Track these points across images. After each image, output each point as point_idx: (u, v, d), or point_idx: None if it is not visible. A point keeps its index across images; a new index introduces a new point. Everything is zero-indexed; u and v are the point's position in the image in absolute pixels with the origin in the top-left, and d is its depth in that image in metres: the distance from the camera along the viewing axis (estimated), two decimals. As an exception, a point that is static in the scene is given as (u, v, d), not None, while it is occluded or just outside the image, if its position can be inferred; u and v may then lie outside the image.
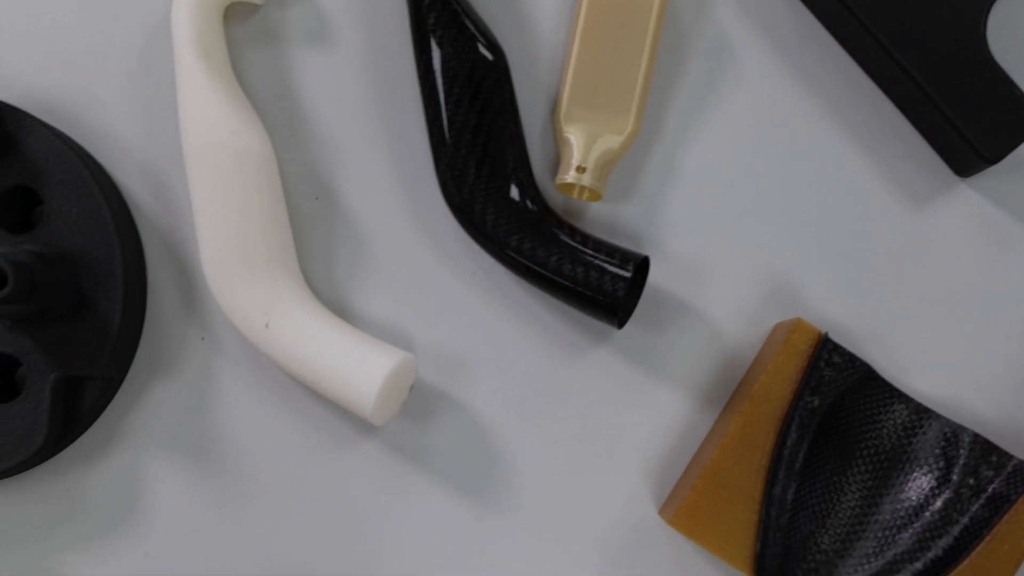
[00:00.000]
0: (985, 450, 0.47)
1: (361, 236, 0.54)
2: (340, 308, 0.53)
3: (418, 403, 0.53)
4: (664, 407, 0.53)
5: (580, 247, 0.50)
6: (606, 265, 0.50)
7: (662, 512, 0.52)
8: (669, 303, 0.53)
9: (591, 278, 0.50)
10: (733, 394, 0.52)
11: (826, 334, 0.48)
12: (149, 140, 0.54)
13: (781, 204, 0.53)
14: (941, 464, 0.48)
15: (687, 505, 0.48)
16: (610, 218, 0.53)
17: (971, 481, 0.47)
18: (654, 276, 0.52)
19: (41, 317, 0.50)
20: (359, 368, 0.50)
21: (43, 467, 0.54)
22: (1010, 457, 0.47)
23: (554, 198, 0.53)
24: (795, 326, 0.49)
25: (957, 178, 0.53)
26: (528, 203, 0.51)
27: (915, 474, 0.48)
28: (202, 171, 0.51)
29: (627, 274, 0.49)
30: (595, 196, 0.52)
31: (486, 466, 0.53)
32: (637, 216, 0.53)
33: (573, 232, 0.51)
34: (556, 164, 0.53)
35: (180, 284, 0.54)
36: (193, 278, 0.54)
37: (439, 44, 0.51)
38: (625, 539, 0.52)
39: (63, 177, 0.52)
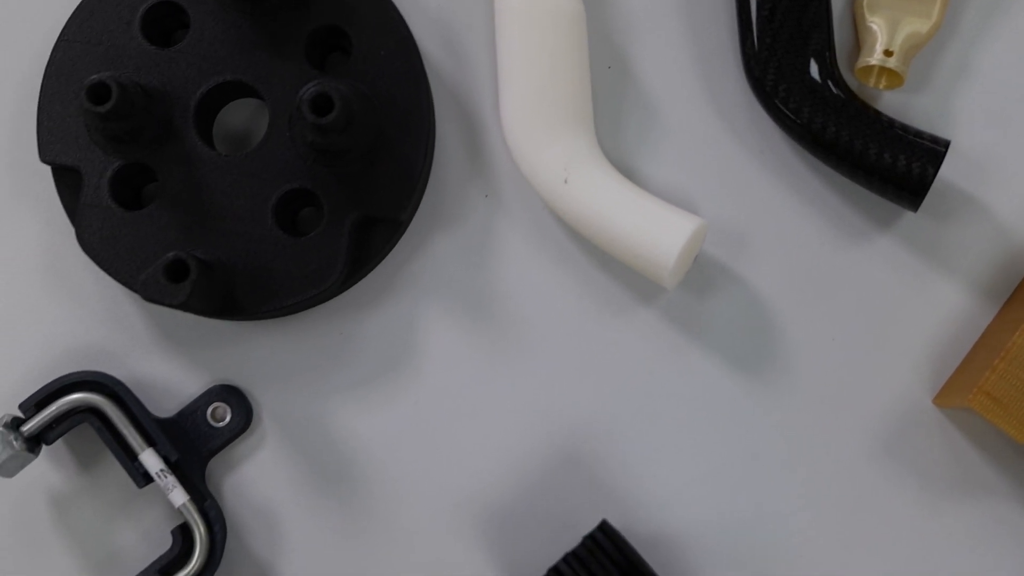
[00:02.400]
0: None
1: (652, 106, 0.54)
2: (627, 175, 0.54)
3: (699, 276, 0.53)
4: (944, 298, 0.53)
5: (887, 127, 0.50)
6: (917, 145, 0.50)
7: (938, 400, 0.52)
8: (956, 196, 0.53)
9: (899, 158, 0.50)
10: (1016, 289, 0.52)
11: None
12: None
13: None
14: None
15: (987, 385, 0.48)
16: (901, 109, 0.54)
17: None
18: (942, 169, 0.53)
19: (343, 155, 0.51)
20: (660, 227, 0.50)
21: (319, 309, 0.54)
22: None
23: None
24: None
25: None
26: (831, 85, 0.51)
27: None
28: (516, 26, 0.51)
29: (942, 150, 0.49)
30: (895, 82, 0.52)
31: (762, 342, 0.53)
32: (928, 109, 0.54)
33: (878, 114, 0.51)
34: (851, 54, 0.53)
35: (465, 140, 0.55)
36: (480, 135, 0.55)
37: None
38: (897, 425, 0.53)
39: (375, 20, 0.52)
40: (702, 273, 0.53)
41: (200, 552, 0.50)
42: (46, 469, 0.54)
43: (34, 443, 0.51)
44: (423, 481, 0.53)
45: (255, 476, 0.54)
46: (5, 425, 0.50)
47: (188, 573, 0.50)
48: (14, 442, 0.50)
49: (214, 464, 0.54)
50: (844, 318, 0.53)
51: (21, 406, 0.52)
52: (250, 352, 0.54)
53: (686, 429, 0.53)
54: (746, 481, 0.53)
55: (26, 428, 0.51)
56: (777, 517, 0.52)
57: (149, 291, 0.48)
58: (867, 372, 0.53)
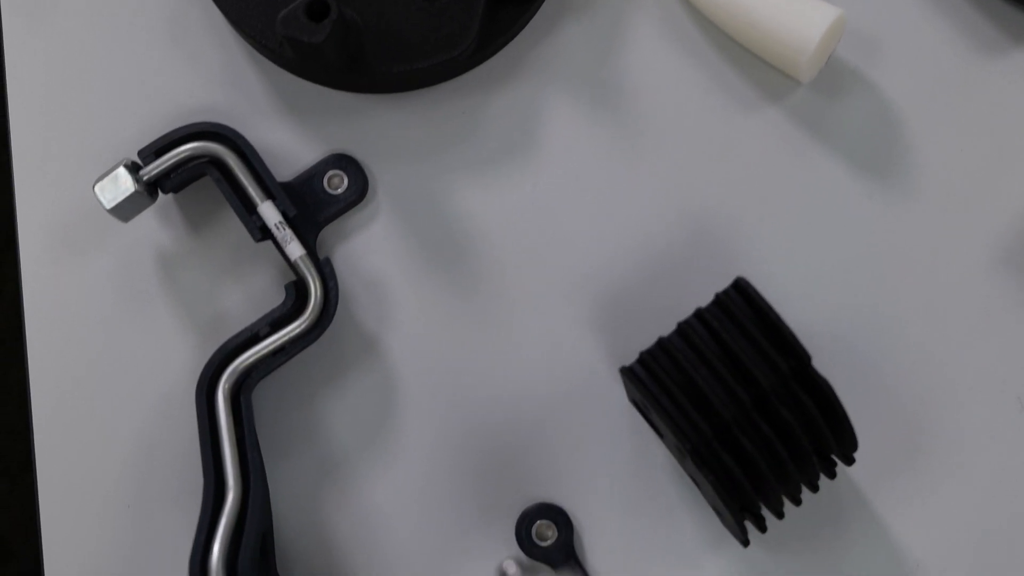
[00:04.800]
0: None
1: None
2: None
3: (830, 77, 0.53)
4: (1076, 116, 0.52)
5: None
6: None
7: (1065, 215, 0.51)
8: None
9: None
10: None
11: None
12: None
13: None
14: None
15: None
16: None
17: None
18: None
19: (483, -77, 0.50)
20: (801, 13, 0.49)
21: (443, 87, 0.54)
22: None
23: None
24: None
25: None
26: None
27: None
28: None
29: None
30: None
31: (888, 148, 0.53)
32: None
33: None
34: None
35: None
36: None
37: None
38: (1020, 239, 0.52)
39: None
40: (834, 75, 0.53)
41: (314, 306, 0.50)
42: (156, 228, 0.54)
43: (152, 188, 0.51)
44: (536, 263, 0.53)
45: (366, 249, 0.53)
46: (125, 167, 0.50)
47: (300, 325, 0.50)
48: (133, 183, 0.50)
49: (326, 234, 0.53)
50: (973, 131, 0.53)
51: (140, 152, 0.51)
52: (370, 126, 0.54)
53: (807, 227, 0.52)
54: (864, 283, 0.52)
55: (145, 172, 0.51)
56: (894, 321, 0.52)
57: (289, 27, 0.47)
58: (992, 185, 0.52)
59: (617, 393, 0.51)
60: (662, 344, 0.45)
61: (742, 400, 0.43)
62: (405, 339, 0.52)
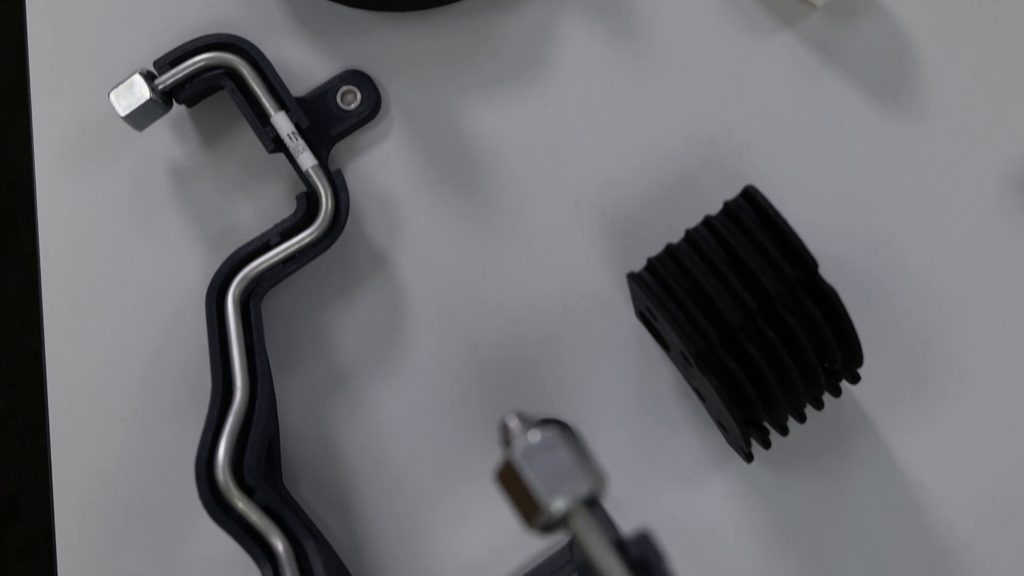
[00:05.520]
0: None
1: None
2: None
3: (844, 1, 0.53)
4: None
5: None
6: None
7: (1077, 143, 0.51)
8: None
9: None
10: None
11: None
12: None
13: None
14: None
15: None
16: None
17: None
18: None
19: None
20: (817, -67, 0.50)
21: (457, 6, 0.54)
22: None
23: None
24: None
25: None
26: None
27: None
28: None
29: None
30: None
31: (901, 74, 0.53)
32: None
33: None
34: None
35: None
36: None
37: None
38: (1032, 167, 0.52)
39: None
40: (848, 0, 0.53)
41: (325, 215, 0.50)
42: (170, 142, 0.54)
43: (167, 98, 0.51)
44: (547, 181, 0.53)
45: (378, 165, 0.54)
46: (141, 75, 0.50)
47: (311, 234, 0.50)
48: (148, 91, 0.50)
49: (338, 150, 0.54)
50: (987, 57, 0.53)
51: (156, 62, 0.52)
52: (384, 44, 0.54)
53: (818, 151, 0.52)
54: (875, 208, 0.52)
55: (160, 80, 0.51)
56: (904, 246, 0.52)
57: (305, -66, 0.48)
58: (1005, 112, 0.52)
59: (626, 311, 0.51)
60: (670, 250, 0.45)
61: (748, 306, 0.44)
62: (415, 255, 0.53)
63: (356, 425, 0.51)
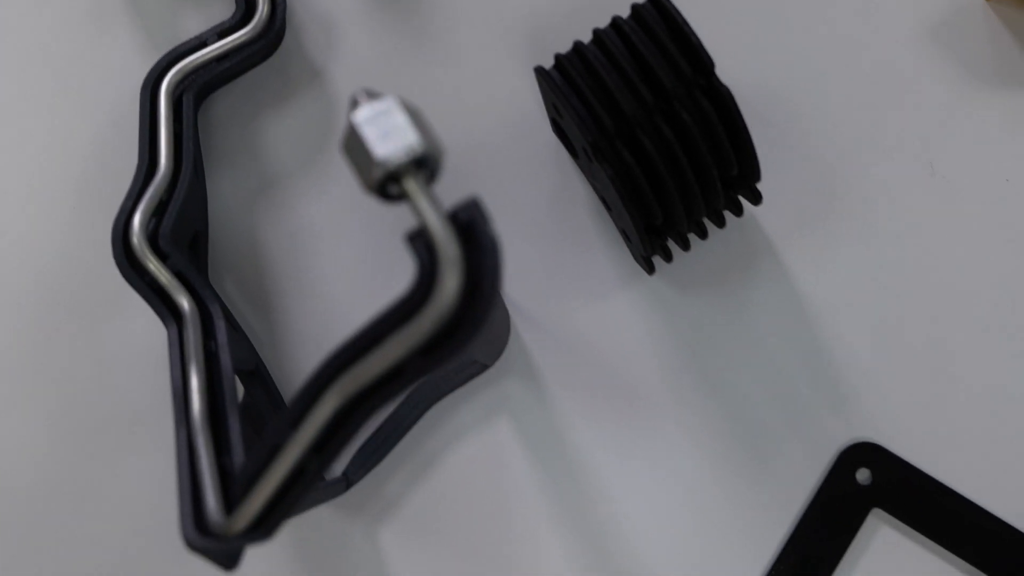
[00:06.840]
0: None
1: None
2: None
3: None
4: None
5: None
6: None
7: (993, -6, 0.53)
8: None
9: None
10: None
11: None
12: None
13: None
14: None
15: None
16: None
17: None
18: None
19: None
20: None
21: None
22: None
23: None
24: None
25: None
26: None
27: None
28: None
29: None
30: None
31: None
32: None
33: None
34: None
35: None
36: None
37: None
38: (945, 16, 0.53)
39: None
40: None
41: (260, 16, 0.52)
42: (125, -47, 0.56)
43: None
44: (479, 4, 0.55)
45: (320, -16, 0.56)
46: None
47: (245, 34, 0.52)
48: None
49: (283, -32, 0.56)
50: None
51: None
52: None
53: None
54: (794, 40, 0.53)
55: None
56: (820, 78, 0.53)
57: None
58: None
59: (547, 132, 0.53)
60: (576, 48, 0.47)
61: (645, 99, 0.45)
62: (350, 72, 0.55)
63: (281, 227, 0.53)
